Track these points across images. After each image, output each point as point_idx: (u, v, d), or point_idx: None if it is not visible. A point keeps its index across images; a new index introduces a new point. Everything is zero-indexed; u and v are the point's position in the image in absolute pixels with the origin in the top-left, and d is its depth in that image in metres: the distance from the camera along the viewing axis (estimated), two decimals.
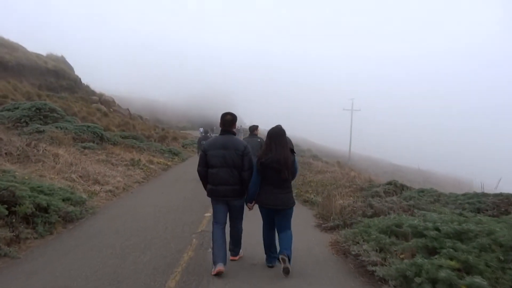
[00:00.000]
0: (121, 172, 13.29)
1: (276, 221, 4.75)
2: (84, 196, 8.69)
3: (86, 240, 6.08)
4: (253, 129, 9.32)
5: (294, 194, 5.09)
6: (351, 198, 8.09)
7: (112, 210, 8.48)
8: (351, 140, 54.14)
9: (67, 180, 10.18)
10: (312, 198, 9.65)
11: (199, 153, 5.32)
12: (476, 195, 7.67)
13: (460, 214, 5.36)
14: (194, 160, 22.63)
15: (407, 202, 6.89)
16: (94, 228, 6.79)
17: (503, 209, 6.42)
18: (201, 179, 4.89)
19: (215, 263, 4.53)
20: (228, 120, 4.78)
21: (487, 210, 6.60)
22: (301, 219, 7.71)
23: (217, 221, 4.77)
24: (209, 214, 7.90)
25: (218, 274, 4.48)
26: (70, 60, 43.15)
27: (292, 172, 4.63)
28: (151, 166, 16.42)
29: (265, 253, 4.93)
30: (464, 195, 8.08)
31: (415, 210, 5.57)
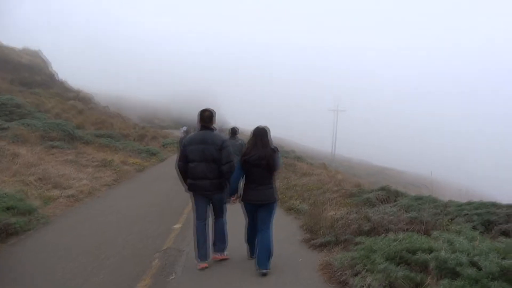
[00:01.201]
0: (89, 174, 12.07)
1: (259, 217, 4.83)
2: (37, 203, 7.53)
3: (24, 258, 4.98)
4: (235, 131, 9.65)
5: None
6: (344, 208, 7.11)
7: (70, 219, 7.34)
8: (335, 141, 53.69)
9: (22, 183, 8.97)
10: (297, 206, 8.66)
11: (180, 148, 5.35)
12: (484, 204, 6.79)
13: (482, 233, 4.41)
14: (172, 160, 21.51)
15: (409, 213, 5.95)
16: (38, 244, 5.67)
17: None
18: (180, 173, 4.96)
19: (198, 260, 4.75)
20: (207, 116, 4.87)
21: (500, 224, 5.71)
22: (286, 232, 6.71)
23: (199, 217, 4.90)
24: (178, 226, 6.88)
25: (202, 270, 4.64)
26: (49, 55, 41.34)
27: (275, 169, 4.81)
28: (125, 167, 15.21)
29: (249, 247, 5.10)
30: (469, 204, 7.20)
31: (433, 231, 4.59)
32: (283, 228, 7.00)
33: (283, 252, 5.42)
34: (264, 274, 4.57)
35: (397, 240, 4.13)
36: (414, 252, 3.64)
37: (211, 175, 4.74)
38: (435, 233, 4.48)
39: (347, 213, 6.20)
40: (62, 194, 9.05)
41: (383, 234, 4.87)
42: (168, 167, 18.13)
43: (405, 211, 7.45)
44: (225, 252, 5.09)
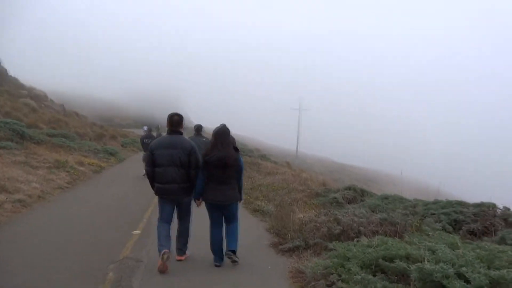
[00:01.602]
0: (40, 176, 11.22)
1: (224, 216, 4.95)
2: None
3: None
4: (199, 129, 9.39)
5: (242, 202, 5.47)
6: (312, 210, 6.86)
7: (13, 228, 6.64)
8: (299, 139, 54.03)
9: None
10: (263, 207, 8.37)
11: (146, 152, 5.36)
12: (450, 204, 6.75)
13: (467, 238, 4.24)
14: (132, 161, 20.68)
15: (377, 214, 5.77)
16: None
17: (487, 223, 5.49)
18: (148, 178, 4.92)
19: (160, 250, 4.63)
20: (176, 120, 4.85)
21: (468, 224, 5.64)
22: (253, 236, 6.39)
23: (163, 220, 4.90)
24: (138, 232, 6.39)
25: (164, 258, 4.53)
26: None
27: (237, 169, 4.85)
28: (81, 168, 14.36)
29: (212, 253, 4.94)
30: (435, 203, 7.16)
31: (404, 235, 4.40)
32: (249, 231, 6.67)
33: (251, 259, 5.11)
34: (235, 261, 4.84)
35: (371, 247, 3.89)
36: (391, 259, 3.40)
37: (179, 180, 4.74)
38: (407, 236, 4.28)
39: (316, 215, 5.95)
40: (8, 199, 8.28)
41: (355, 239, 4.64)
42: (128, 168, 17.35)
43: (373, 211, 7.36)
44: (187, 252, 5.16)
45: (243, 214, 8.13)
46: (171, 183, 4.71)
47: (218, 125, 4.97)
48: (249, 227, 7.00)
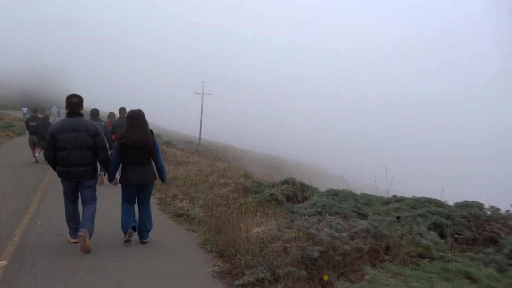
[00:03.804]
0: None
1: (139, 197, 5.01)
2: None
3: None
4: (96, 113, 9.39)
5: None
6: (270, 217, 5.19)
7: None
8: (202, 125, 52.02)
9: None
10: (188, 210, 6.52)
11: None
12: (419, 202, 5.67)
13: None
14: (8, 147, 17.12)
15: (353, 222, 4.38)
16: None
17: (487, 228, 4.42)
18: (49, 162, 4.85)
19: (74, 232, 4.78)
20: (75, 102, 4.77)
21: (460, 234, 4.52)
22: (183, 257, 4.57)
23: (70, 201, 4.91)
24: (3, 263, 4.16)
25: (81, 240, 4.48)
26: None
27: (154, 151, 4.92)
28: None
29: (123, 230, 4.91)
30: (399, 200, 6.06)
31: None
32: (176, 249, 4.85)
33: None
34: (145, 242, 4.97)
35: None
36: None
37: (85, 162, 4.71)
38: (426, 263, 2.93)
39: (277, 228, 4.33)
40: None
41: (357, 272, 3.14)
42: (7, 157, 14.11)
43: (328, 213, 6.02)
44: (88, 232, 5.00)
45: (162, 221, 6.23)
46: (76, 166, 4.65)
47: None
48: (175, 242, 5.16)
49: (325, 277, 3.58)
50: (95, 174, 4.91)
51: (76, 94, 4.84)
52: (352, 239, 3.99)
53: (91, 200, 4.90)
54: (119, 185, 5.01)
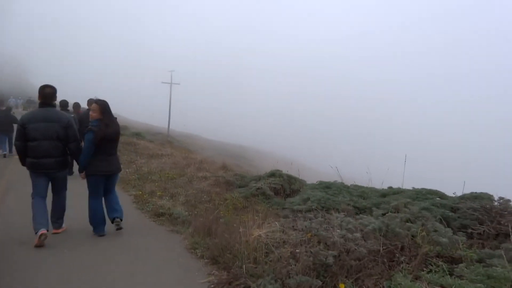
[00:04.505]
0: None
1: (106, 188, 5.02)
2: None
3: None
4: (65, 104, 9.11)
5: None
6: (268, 217, 4.67)
7: None
8: (170, 116, 50.75)
9: None
10: (169, 209, 5.94)
11: (17, 127, 4.81)
12: (420, 194, 5.35)
13: None
14: None
15: (363, 220, 3.97)
16: None
17: (503, 222, 4.11)
18: (19, 153, 4.71)
19: (37, 230, 4.42)
20: (48, 92, 4.72)
21: (474, 229, 4.20)
22: (170, 264, 4.02)
23: (38, 194, 4.69)
24: None
25: (42, 238, 4.35)
26: None
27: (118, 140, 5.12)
28: None
29: (92, 224, 4.95)
30: (398, 193, 5.73)
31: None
32: (161, 255, 4.28)
33: None
34: (121, 228, 5.00)
35: None
36: None
37: (56, 153, 4.66)
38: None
39: (282, 230, 3.83)
40: None
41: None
42: None
43: (322, 207, 5.62)
44: (64, 225, 5.05)
45: (142, 221, 5.65)
46: (46, 157, 4.60)
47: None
48: (160, 246, 4.59)
49: (341, 286, 3.14)
50: (66, 166, 4.85)
51: (49, 84, 4.79)
52: (365, 240, 3.57)
53: (61, 190, 4.92)
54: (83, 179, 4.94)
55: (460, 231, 4.33)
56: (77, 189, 5.57)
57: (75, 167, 5.28)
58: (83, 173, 4.85)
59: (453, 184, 5.53)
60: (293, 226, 3.90)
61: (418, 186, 5.78)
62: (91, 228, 4.96)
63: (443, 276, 2.78)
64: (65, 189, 4.99)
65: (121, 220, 5.00)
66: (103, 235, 4.86)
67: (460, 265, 3.09)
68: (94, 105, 4.87)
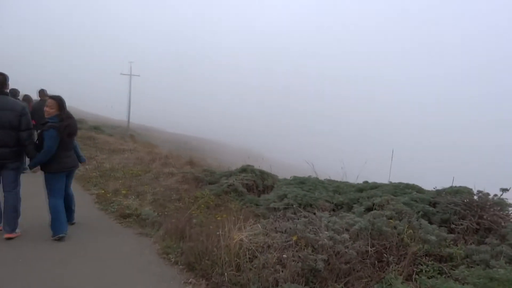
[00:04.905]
0: None
1: (67, 182, 4.91)
2: None
3: None
4: (15, 93, 8.47)
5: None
6: (247, 219, 4.35)
7: None
8: (130, 109, 49.22)
9: None
10: (136, 209, 5.53)
11: None
12: (398, 188, 5.26)
13: None
14: None
15: (344, 220, 3.78)
16: None
17: (485, 216, 4.05)
18: None
19: None
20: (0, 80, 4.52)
21: (457, 224, 4.12)
22: (140, 270, 3.67)
23: None
24: None
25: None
26: None
27: None
28: None
29: (54, 227, 4.53)
30: (375, 187, 5.60)
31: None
32: (131, 261, 3.92)
33: None
34: (73, 224, 5.02)
35: None
36: None
37: (10, 143, 4.43)
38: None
39: (265, 233, 3.56)
40: None
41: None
42: None
43: (299, 203, 5.42)
44: (17, 230, 4.63)
45: (106, 224, 5.23)
46: (1, 147, 4.37)
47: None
48: (128, 251, 4.22)
49: None
50: (20, 157, 4.62)
51: (0, 71, 4.58)
52: (353, 242, 3.37)
53: (13, 183, 4.56)
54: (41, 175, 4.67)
55: (441, 226, 4.25)
56: (27, 189, 5.10)
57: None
58: (35, 167, 4.57)
59: (442, 181, 5.43)
60: (275, 228, 3.64)
61: (404, 182, 5.64)
62: (49, 232, 4.53)
63: (433, 280, 2.62)
64: (19, 184, 4.66)
65: (74, 211, 5.10)
66: (63, 238, 4.51)
67: (460, 267, 2.96)
68: (50, 100, 4.56)
